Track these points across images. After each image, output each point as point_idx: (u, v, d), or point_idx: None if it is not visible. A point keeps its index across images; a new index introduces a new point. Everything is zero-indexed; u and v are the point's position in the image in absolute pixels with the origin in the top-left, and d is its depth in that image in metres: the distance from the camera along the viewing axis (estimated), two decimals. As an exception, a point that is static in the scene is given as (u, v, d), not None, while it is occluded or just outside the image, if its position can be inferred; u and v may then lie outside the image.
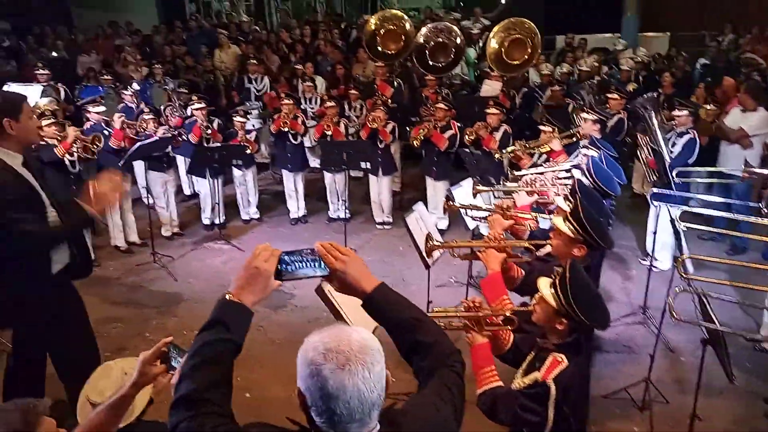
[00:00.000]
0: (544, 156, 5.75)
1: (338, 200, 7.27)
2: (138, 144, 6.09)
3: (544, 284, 2.25)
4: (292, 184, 7.36)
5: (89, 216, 3.22)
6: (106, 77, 8.88)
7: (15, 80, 9.36)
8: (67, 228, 3.19)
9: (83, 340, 3.64)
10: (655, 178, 5.57)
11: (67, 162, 5.75)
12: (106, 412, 1.96)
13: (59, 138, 5.69)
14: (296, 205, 7.44)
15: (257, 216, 7.52)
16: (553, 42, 11.86)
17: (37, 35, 12.49)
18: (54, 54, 11.26)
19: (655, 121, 5.88)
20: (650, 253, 5.31)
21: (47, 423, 1.73)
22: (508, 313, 2.40)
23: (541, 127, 5.85)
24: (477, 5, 11.64)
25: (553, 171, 4.42)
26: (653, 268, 5.21)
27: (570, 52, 10.39)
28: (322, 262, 1.64)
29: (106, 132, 6.27)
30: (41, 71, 8.19)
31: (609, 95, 7.12)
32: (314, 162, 8.63)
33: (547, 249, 2.90)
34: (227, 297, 1.58)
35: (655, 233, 5.11)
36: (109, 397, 2.01)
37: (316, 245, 1.66)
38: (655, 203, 5.28)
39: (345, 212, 7.04)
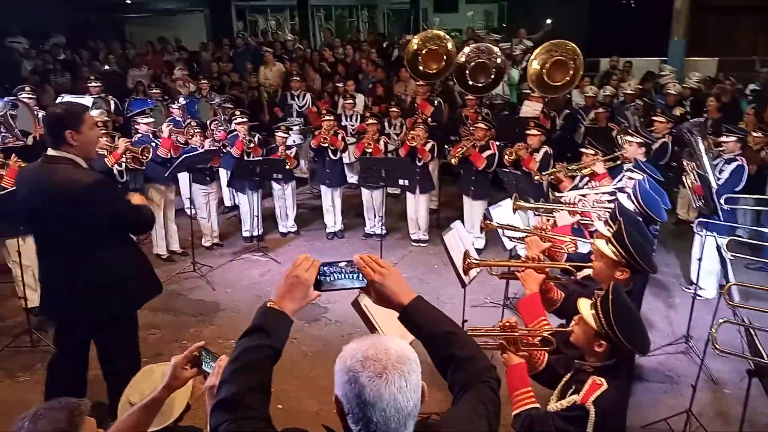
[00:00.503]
0: (586, 179, 5.69)
1: (375, 216, 7.31)
2: (183, 155, 6.27)
3: (584, 305, 2.22)
4: (330, 199, 7.44)
5: None
6: (154, 91, 9.19)
7: (69, 92, 9.80)
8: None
9: (131, 341, 3.73)
10: (700, 204, 5.42)
11: (115, 172, 5.96)
12: (138, 413, 2.00)
13: (109, 148, 5.92)
14: (333, 220, 7.51)
15: (294, 229, 7.61)
16: (597, 64, 11.74)
17: (92, 49, 13.06)
18: (106, 67, 11.75)
19: (701, 147, 5.73)
20: (695, 281, 5.15)
21: (89, 422, 1.78)
22: (545, 334, 2.36)
23: (584, 150, 5.80)
24: (521, 26, 11.63)
25: (596, 193, 4.37)
26: (697, 297, 5.05)
27: (614, 75, 10.27)
28: (360, 274, 1.67)
29: (154, 143, 6.49)
30: (93, 84, 8.50)
31: (654, 118, 7.00)
32: (352, 178, 8.72)
33: (587, 272, 2.85)
34: (268, 304, 1.61)
35: (700, 260, 4.96)
36: (145, 399, 2.05)
37: (355, 257, 1.69)
38: (701, 232, 5.14)
39: (381, 228, 7.07)
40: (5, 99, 6.67)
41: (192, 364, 2.00)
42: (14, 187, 4.76)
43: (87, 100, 7.95)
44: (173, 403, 2.54)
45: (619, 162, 5.56)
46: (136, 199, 3.56)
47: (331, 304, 5.74)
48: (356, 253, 1.73)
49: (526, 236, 3.15)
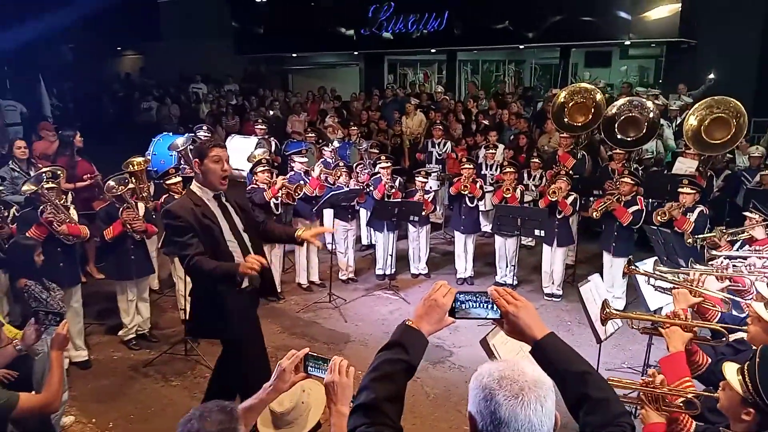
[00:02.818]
0: (746, 246, 5.19)
1: (507, 266, 7.21)
2: (330, 192, 6.74)
3: (730, 369, 2.05)
4: (463, 245, 7.49)
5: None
6: (310, 135, 10.00)
7: (238, 133, 11.01)
8: (218, 268, 3.44)
9: (261, 358, 4.02)
10: None
11: (272, 205, 6.56)
12: (243, 412, 2.02)
13: (269, 184, 6.55)
14: (464, 266, 7.52)
15: (425, 272, 7.73)
16: (765, 125, 10.74)
17: (259, 96, 14.59)
18: (271, 113, 13.03)
19: None
20: None
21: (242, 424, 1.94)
22: (689, 396, 2.20)
23: (747, 214, 5.32)
24: (678, 82, 11.05)
25: (760, 257, 3.98)
26: None
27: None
28: (494, 306, 1.70)
29: (303, 181, 7.06)
30: (259, 126, 9.40)
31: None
32: (486, 226, 8.72)
33: (740, 335, 2.61)
34: (407, 323, 1.71)
35: None
36: (252, 399, 2.09)
37: (490, 289, 1.73)
38: None
39: (513, 278, 6.94)
40: (186, 135, 7.68)
41: (297, 369, 2.05)
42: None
43: (252, 141, 8.88)
44: (308, 416, 2.70)
45: (787, 228, 5.02)
46: (306, 233, 3.83)
47: (457, 349, 5.72)
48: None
49: (674, 287, 2.95)
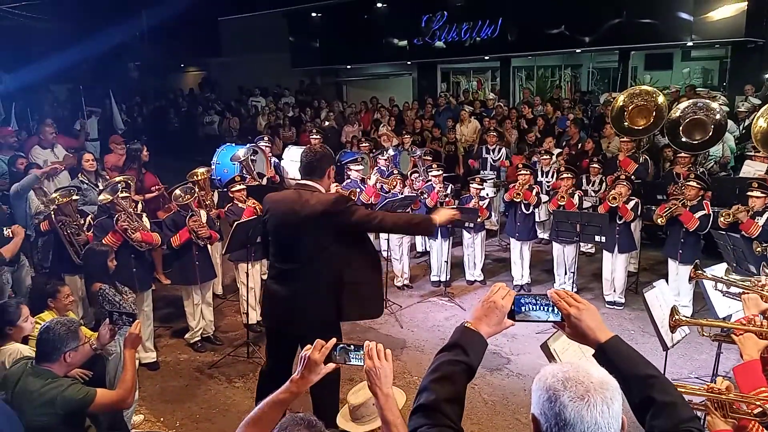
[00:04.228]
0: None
1: (565, 273, 7.07)
2: (385, 199, 6.81)
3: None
4: (519, 252, 7.39)
5: None
6: (364, 144, 10.14)
7: (294, 144, 11.30)
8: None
9: None
10: None
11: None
12: (271, 406, 1.97)
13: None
14: (520, 273, 7.42)
15: (481, 278, 7.68)
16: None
17: (315, 108, 14.92)
18: (326, 123, 13.29)
19: None
20: None
21: None
22: (761, 404, 2.11)
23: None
24: (744, 84, 10.55)
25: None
26: None
27: None
28: (555, 308, 1.68)
29: (359, 189, 7.16)
30: (314, 136, 9.56)
31: None
32: (542, 234, 8.59)
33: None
34: (466, 325, 1.71)
35: None
36: (281, 392, 2.01)
37: (550, 292, 1.71)
38: None
39: (572, 286, 6.79)
40: (248, 146, 7.95)
41: (326, 359, 1.96)
42: (253, 217, 5.67)
43: (308, 151, 9.08)
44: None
45: None
46: None
47: (515, 356, 5.65)
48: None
49: (743, 292, 2.83)
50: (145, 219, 5.65)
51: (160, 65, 21.03)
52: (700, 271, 3.40)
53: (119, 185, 5.55)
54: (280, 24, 17.59)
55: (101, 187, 6.11)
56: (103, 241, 5.14)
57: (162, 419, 4.86)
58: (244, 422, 1.94)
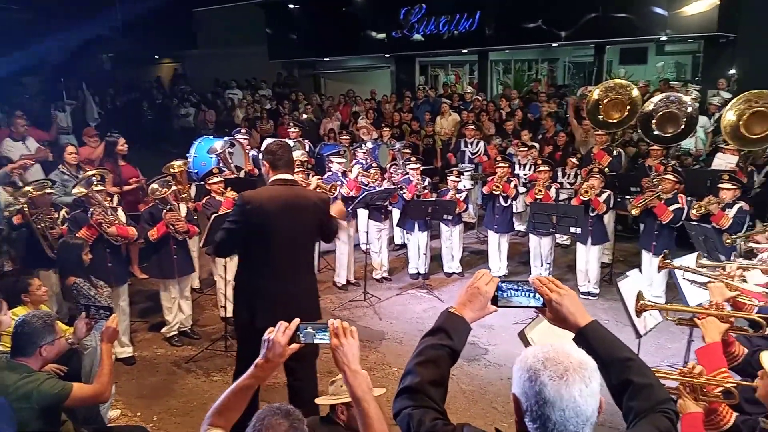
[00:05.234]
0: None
1: (542, 265, 7.16)
2: (365, 192, 6.82)
3: (767, 358, 2.03)
4: (497, 245, 7.48)
5: None
6: (344, 137, 10.12)
7: (271, 137, 11.20)
8: None
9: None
10: None
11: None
12: (237, 391, 1.95)
13: (304, 183, 6.65)
14: (498, 265, 7.51)
15: (459, 270, 7.75)
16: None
17: (293, 101, 14.82)
18: (304, 116, 13.22)
19: None
20: None
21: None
22: (727, 385, 2.18)
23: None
24: (717, 79, 10.78)
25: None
26: None
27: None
28: (536, 294, 1.72)
29: (341, 182, 7.16)
30: (293, 130, 9.53)
31: None
32: (519, 226, 8.69)
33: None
34: (450, 310, 1.75)
35: None
36: (246, 377, 1.98)
37: (532, 278, 1.76)
38: None
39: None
40: (226, 138, 7.88)
41: (291, 340, 1.92)
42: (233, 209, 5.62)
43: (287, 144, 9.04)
44: None
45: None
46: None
47: (492, 347, 5.73)
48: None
49: (710, 281, 2.92)
50: (120, 212, 5.57)
51: (135, 57, 20.66)
52: (668, 261, 3.48)
53: (93, 178, 5.47)
54: (257, 15, 17.41)
55: (83, 180, 6.00)
56: (77, 235, 5.07)
57: (139, 414, 4.82)
58: (210, 413, 1.93)
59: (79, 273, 4.59)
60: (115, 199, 6.09)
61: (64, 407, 3.13)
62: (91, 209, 5.26)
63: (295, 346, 1.90)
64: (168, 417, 4.78)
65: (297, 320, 1.93)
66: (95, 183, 5.39)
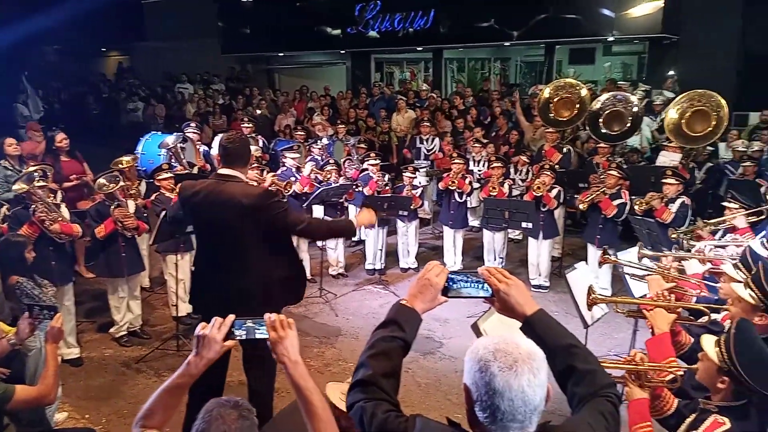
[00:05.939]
0: (728, 235, 5.33)
1: (495, 259, 7.31)
2: (320, 188, 6.79)
3: (708, 340, 2.15)
4: (452, 240, 7.58)
5: None
6: (299, 133, 10.04)
7: (225, 132, 10.97)
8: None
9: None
10: None
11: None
12: (170, 391, 1.92)
13: (258, 180, 6.58)
14: (453, 260, 7.62)
15: (415, 266, 7.81)
16: (746, 119, 10.94)
17: (246, 96, 14.58)
18: (258, 112, 13.02)
19: None
20: None
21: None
22: (670, 371, 2.29)
23: (726, 204, 5.45)
24: (661, 79, 11.23)
25: (738, 246, 4.10)
26: None
27: (765, 129, 9.50)
28: (485, 285, 1.76)
29: (294, 177, 7.10)
30: (246, 125, 9.36)
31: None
32: (474, 221, 8.83)
33: (715, 317, 2.71)
34: (402, 302, 1.77)
35: None
36: (178, 376, 1.92)
37: (481, 269, 1.79)
38: None
39: (501, 271, 7.03)
40: (177, 133, 7.68)
41: (228, 336, 1.89)
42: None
43: (240, 139, 8.89)
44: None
45: (764, 217, 5.16)
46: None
47: (447, 340, 5.81)
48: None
49: (648, 274, 3.05)
50: (63, 209, 5.37)
51: (81, 49, 19.89)
52: (607, 256, 3.62)
53: (35, 174, 5.24)
54: (210, 8, 17.01)
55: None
56: (19, 232, 4.86)
57: (87, 416, 4.67)
58: (140, 415, 1.89)
59: (21, 272, 4.40)
60: (59, 195, 5.85)
61: (6, 410, 3.01)
62: (33, 206, 5.05)
63: (230, 342, 1.87)
64: (117, 419, 4.65)
65: (232, 316, 1.89)
66: (37, 179, 5.17)
